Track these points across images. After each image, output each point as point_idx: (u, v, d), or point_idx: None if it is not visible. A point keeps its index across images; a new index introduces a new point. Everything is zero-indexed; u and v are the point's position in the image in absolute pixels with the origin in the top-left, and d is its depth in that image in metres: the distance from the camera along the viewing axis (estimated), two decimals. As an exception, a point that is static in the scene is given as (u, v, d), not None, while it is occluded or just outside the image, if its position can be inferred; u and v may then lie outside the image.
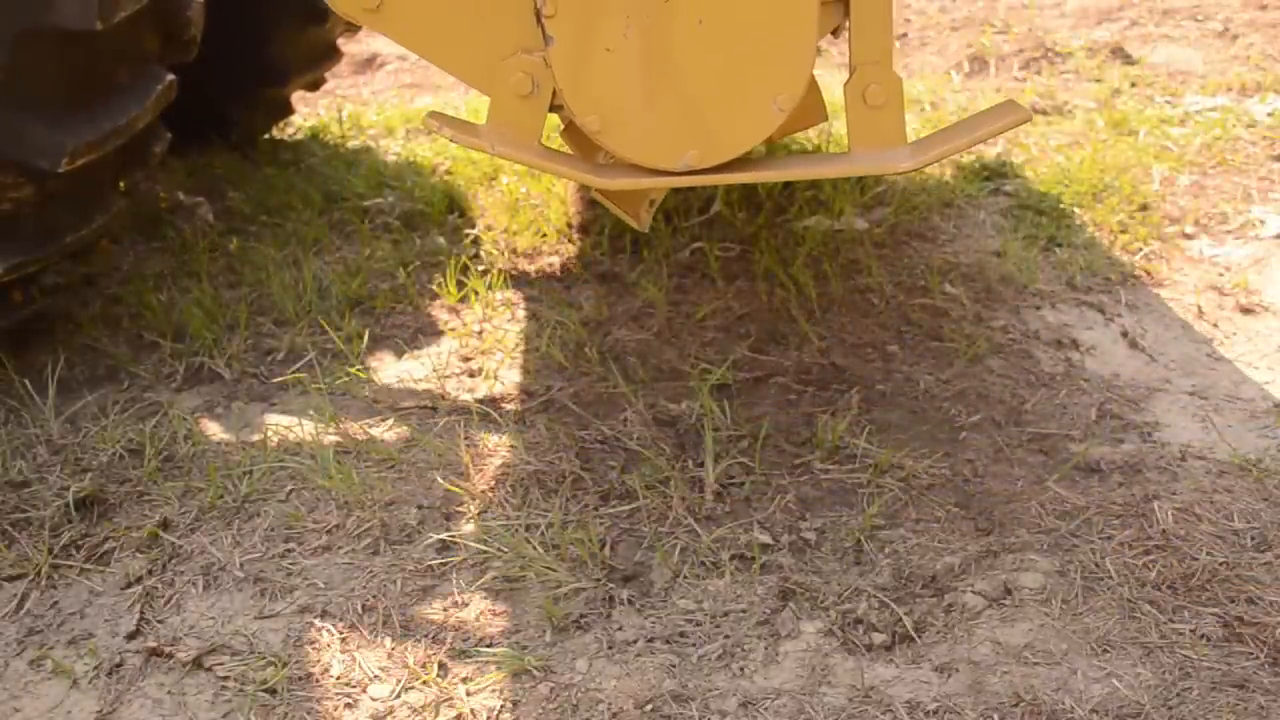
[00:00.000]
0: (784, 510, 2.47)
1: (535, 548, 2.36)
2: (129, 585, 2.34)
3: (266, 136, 4.74)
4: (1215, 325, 3.20)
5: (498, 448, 2.71)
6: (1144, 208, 3.88)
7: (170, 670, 2.13)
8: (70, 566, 2.39)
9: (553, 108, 2.23)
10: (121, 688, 2.10)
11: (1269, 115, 4.71)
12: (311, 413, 2.84)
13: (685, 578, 2.29)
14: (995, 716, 1.96)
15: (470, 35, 2.18)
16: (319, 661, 2.14)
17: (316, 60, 4.37)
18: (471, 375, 3.03)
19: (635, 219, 2.41)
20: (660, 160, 2.18)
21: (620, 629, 2.18)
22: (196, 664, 2.13)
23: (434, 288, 3.46)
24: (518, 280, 3.51)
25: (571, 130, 2.36)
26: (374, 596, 2.28)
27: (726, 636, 2.15)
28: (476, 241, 3.75)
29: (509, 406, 2.86)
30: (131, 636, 2.21)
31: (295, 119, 4.97)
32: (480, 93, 2.30)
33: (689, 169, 2.18)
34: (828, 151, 2.24)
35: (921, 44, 6.11)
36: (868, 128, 2.19)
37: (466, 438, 2.74)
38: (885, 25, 2.15)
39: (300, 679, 2.10)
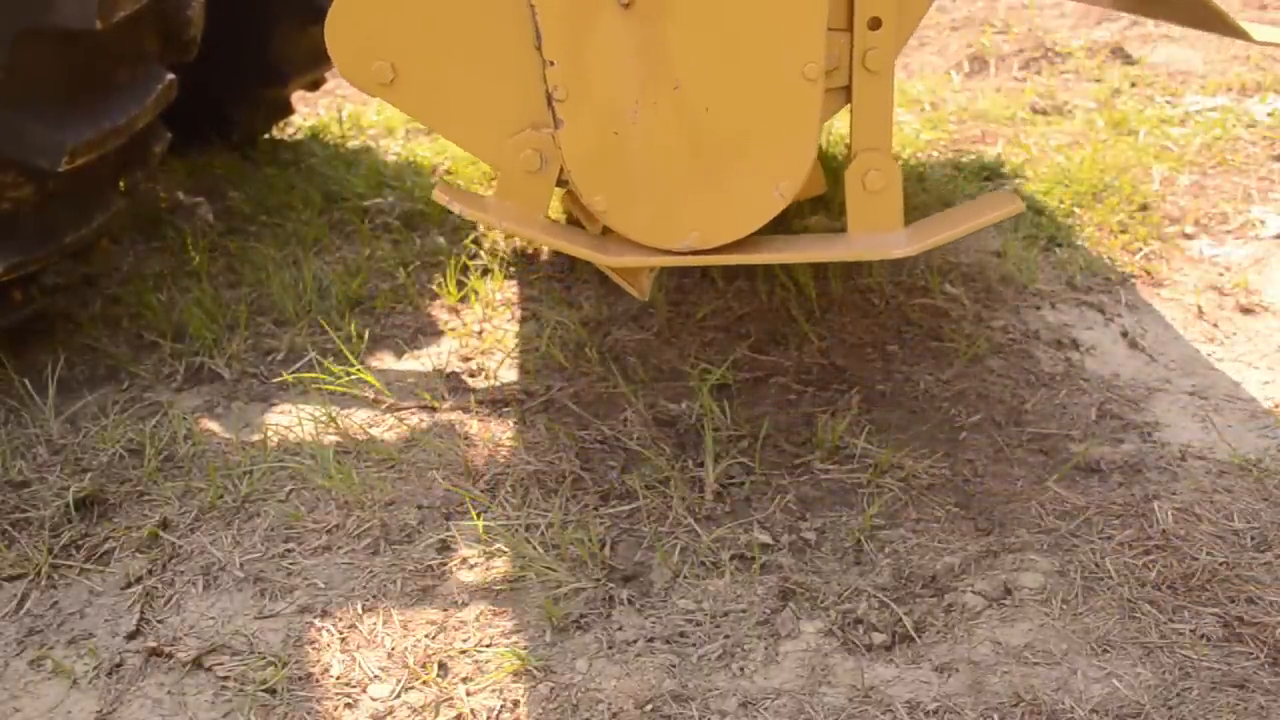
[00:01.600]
0: (784, 510, 2.47)
1: (535, 548, 2.36)
2: (129, 585, 2.34)
3: (266, 136, 4.74)
4: (1215, 325, 3.20)
5: (498, 448, 2.71)
6: (1144, 208, 3.88)
7: (170, 670, 2.13)
8: (70, 566, 2.39)
9: (559, 181, 2.28)
10: (121, 688, 2.10)
11: (1269, 115, 4.71)
12: (311, 413, 2.84)
13: (685, 578, 2.29)
14: (995, 716, 1.96)
15: (481, 111, 2.23)
16: (319, 661, 2.14)
17: (316, 60, 4.37)
18: (471, 375, 3.03)
19: (636, 288, 2.47)
20: (663, 240, 2.24)
21: (620, 629, 2.18)
22: (196, 664, 2.13)
23: (434, 288, 3.46)
24: (518, 280, 3.51)
25: (573, 194, 2.39)
26: (374, 596, 2.28)
27: (726, 636, 2.15)
28: (477, 241, 3.75)
29: (509, 406, 2.86)
30: (131, 636, 2.21)
31: (295, 119, 4.97)
32: (489, 166, 2.31)
33: (691, 249, 2.24)
34: (827, 233, 2.34)
35: (921, 44, 6.11)
36: (866, 211, 2.26)
37: (466, 438, 2.74)
38: (886, 113, 2.22)
39: (300, 679, 2.10)
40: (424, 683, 2.08)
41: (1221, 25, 2.17)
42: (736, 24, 2.10)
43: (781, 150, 2.18)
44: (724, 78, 2.13)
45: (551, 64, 2.13)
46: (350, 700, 2.05)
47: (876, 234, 2.26)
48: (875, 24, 2.17)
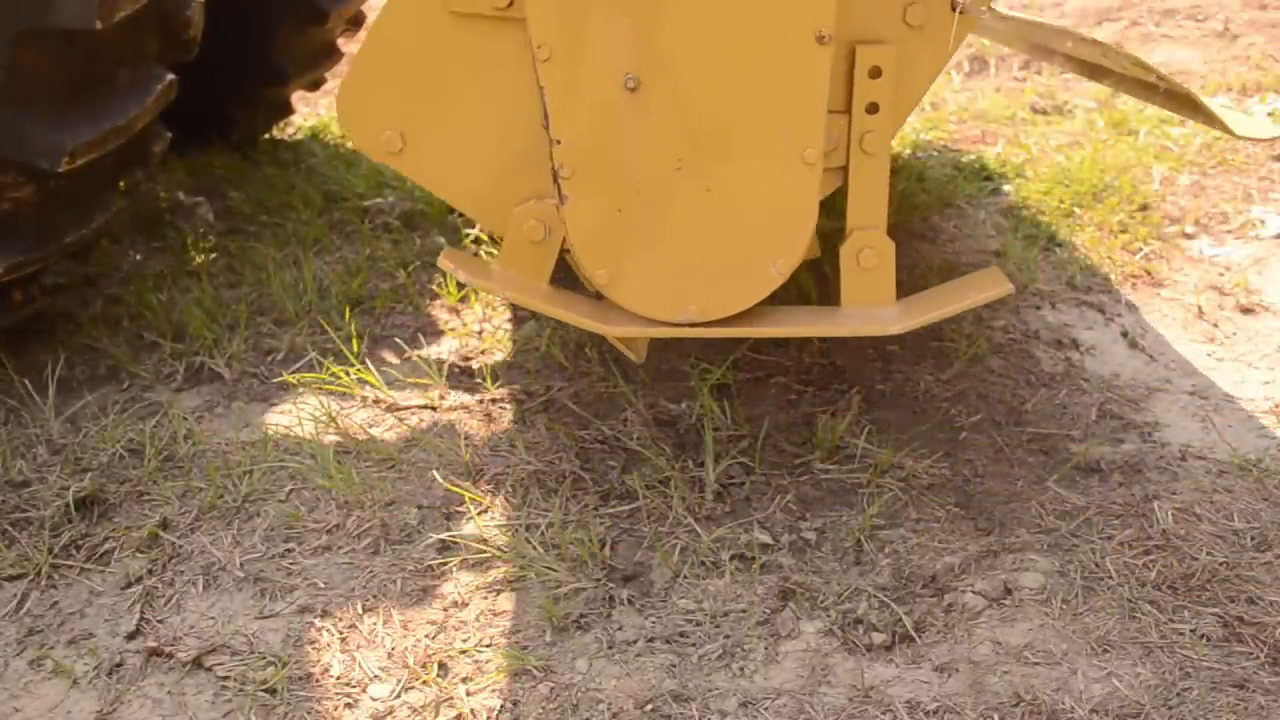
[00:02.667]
0: (784, 510, 2.47)
1: (535, 548, 2.36)
2: (129, 585, 2.34)
3: (266, 136, 4.74)
4: (1215, 325, 3.20)
5: (498, 448, 2.70)
6: (1144, 208, 3.88)
7: (170, 670, 2.13)
8: (70, 566, 2.39)
9: (563, 251, 2.33)
10: (121, 688, 2.10)
11: (1269, 115, 4.71)
12: (311, 413, 2.84)
13: (685, 578, 2.29)
14: (995, 716, 1.96)
15: (486, 181, 2.30)
16: (319, 661, 2.14)
17: (317, 60, 4.37)
18: (471, 375, 3.03)
19: (634, 351, 2.54)
20: (663, 313, 2.29)
21: (620, 629, 2.18)
22: (196, 664, 2.13)
23: (434, 288, 3.46)
24: (518, 280, 3.50)
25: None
26: (374, 596, 2.28)
27: (726, 636, 2.15)
28: (477, 241, 3.75)
29: (509, 406, 2.86)
30: (131, 636, 2.21)
31: (295, 119, 4.97)
32: (494, 233, 2.31)
33: (689, 321, 2.29)
34: (821, 306, 2.43)
35: (921, 44, 6.10)
36: (859, 287, 2.32)
37: (466, 438, 2.74)
38: (881, 193, 2.28)
39: (300, 679, 2.10)
40: (424, 683, 2.08)
41: (1205, 117, 2.19)
42: (739, 109, 2.15)
43: (780, 230, 2.23)
44: (726, 160, 2.19)
45: (558, 142, 2.18)
46: (350, 700, 2.05)
47: (869, 309, 2.33)
48: (873, 108, 2.23)
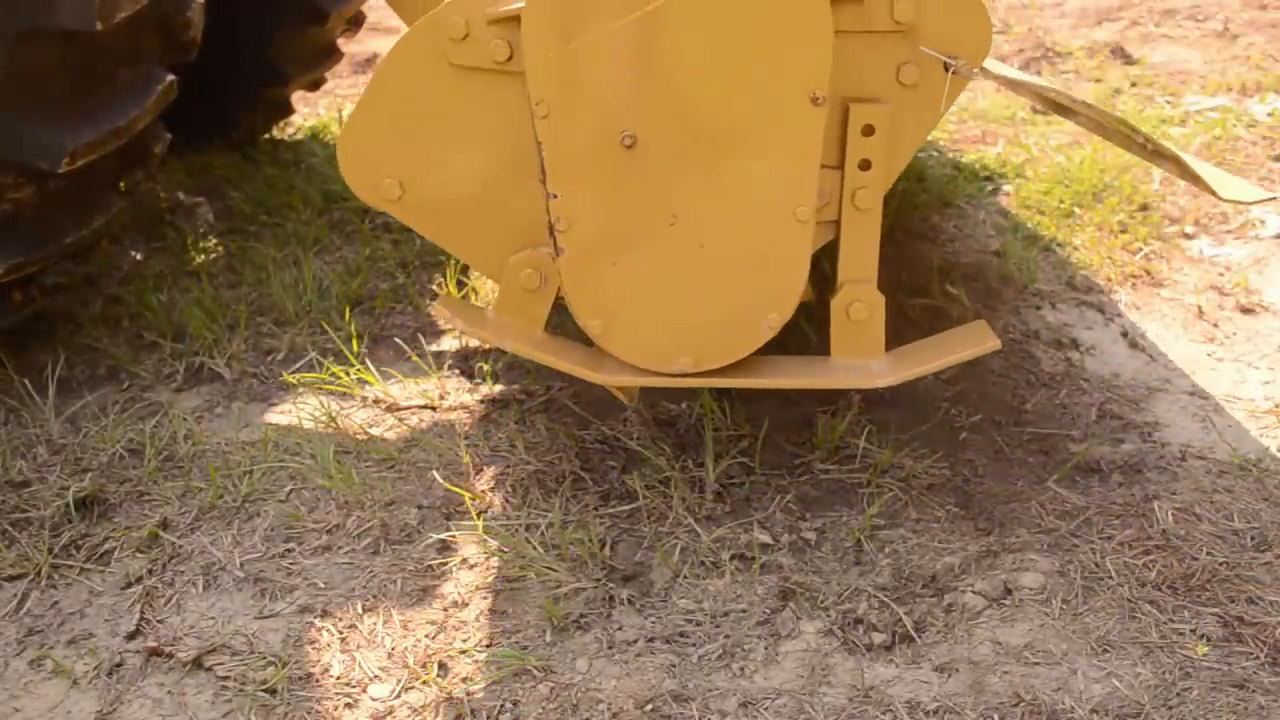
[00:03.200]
0: (784, 510, 2.47)
1: (535, 548, 2.36)
2: (129, 585, 2.34)
3: (266, 136, 4.75)
4: (1215, 325, 3.20)
5: (498, 448, 2.71)
6: (1144, 208, 3.88)
7: (170, 670, 2.13)
8: (70, 566, 2.40)
9: (557, 299, 2.35)
10: (121, 688, 2.10)
11: (1269, 115, 4.71)
12: (311, 413, 2.84)
13: (685, 578, 2.29)
14: (995, 716, 1.96)
15: (484, 229, 2.33)
16: (319, 661, 2.14)
17: (317, 60, 4.38)
18: (471, 375, 3.03)
19: (626, 396, 2.58)
20: (656, 364, 2.31)
21: (620, 629, 2.18)
22: (196, 664, 2.13)
23: (434, 288, 3.46)
24: (518, 280, 3.50)
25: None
26: (374, 596, 2.28)
27: (726, 636, 2.15)
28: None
29: (509, 406, 2.86)
30: (131, 636, 2.21)
31: (295, 119, 4.97)
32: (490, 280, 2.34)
33: (681, 372, 2.32)
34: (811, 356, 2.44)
35: (921, 44, 6.09)
36: (849, 339, 2.34)
37: (466, 438, 2.74)
38: (872, 247, 2.30)
39: (300, 679, 2.10)
40: (424, 683, 2.08)
41: (1190, 177, 2.19)
42: (733, 167, 2.17)
43: (772, 285, 2.25)
44: (720, 216, 2.20)
45: (554, 196, 2.20)
46: (350, 700, 2.05)
47: (859, 360, 2.34)
48: (865, 165, 2.24)
